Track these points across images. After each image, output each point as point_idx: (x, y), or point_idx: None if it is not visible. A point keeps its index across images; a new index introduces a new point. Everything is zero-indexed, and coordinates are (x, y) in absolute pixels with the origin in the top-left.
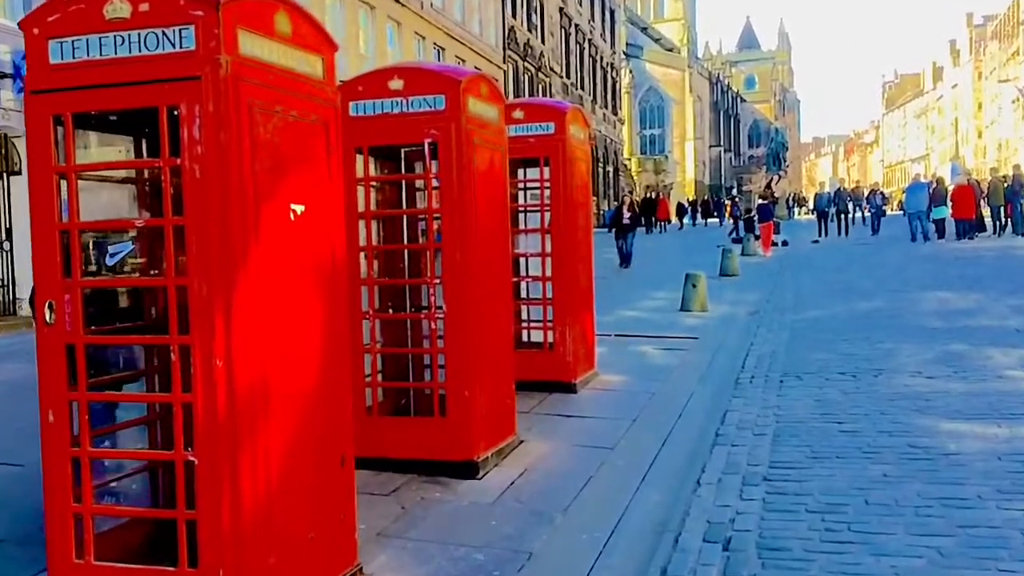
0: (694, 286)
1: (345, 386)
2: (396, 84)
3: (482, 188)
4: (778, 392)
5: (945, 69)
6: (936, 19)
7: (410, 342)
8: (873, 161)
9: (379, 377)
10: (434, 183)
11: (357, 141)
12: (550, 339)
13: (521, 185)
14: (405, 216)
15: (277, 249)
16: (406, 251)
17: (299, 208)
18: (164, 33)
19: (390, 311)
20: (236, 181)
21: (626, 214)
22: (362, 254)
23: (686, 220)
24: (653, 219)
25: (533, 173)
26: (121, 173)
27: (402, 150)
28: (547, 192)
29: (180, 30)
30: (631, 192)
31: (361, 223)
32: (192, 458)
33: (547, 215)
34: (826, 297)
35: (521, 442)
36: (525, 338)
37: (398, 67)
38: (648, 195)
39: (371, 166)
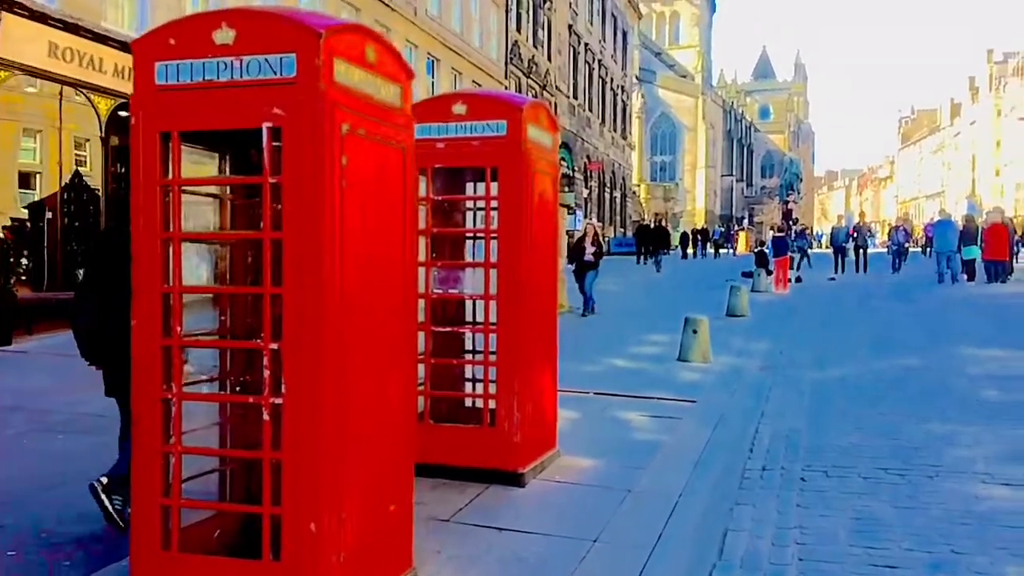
0: (695, 332)
1: None
2: (224, 36)
3: (358, 201)
4: (799, 498)
5: (963, 105)
6: (954, 55)
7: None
8: (887, 196)
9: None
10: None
11: (164, 123)
12: (492, 409)
13: (470, 204)
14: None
15: None
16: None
17: None
18: None
19: (204, 389)
20: None
21: (588, 248)
22: (168, 296)
23: (689, 251)
24: (663, 250)
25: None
26: None
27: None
28: (495, 214)
29: None
30: (592, 221)
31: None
32: None
33: (493, 244)
34: (851, 349)
35: None
36: (469, 404)
37: (230, 11)
38: (649, 223)
39: (222, 166)
